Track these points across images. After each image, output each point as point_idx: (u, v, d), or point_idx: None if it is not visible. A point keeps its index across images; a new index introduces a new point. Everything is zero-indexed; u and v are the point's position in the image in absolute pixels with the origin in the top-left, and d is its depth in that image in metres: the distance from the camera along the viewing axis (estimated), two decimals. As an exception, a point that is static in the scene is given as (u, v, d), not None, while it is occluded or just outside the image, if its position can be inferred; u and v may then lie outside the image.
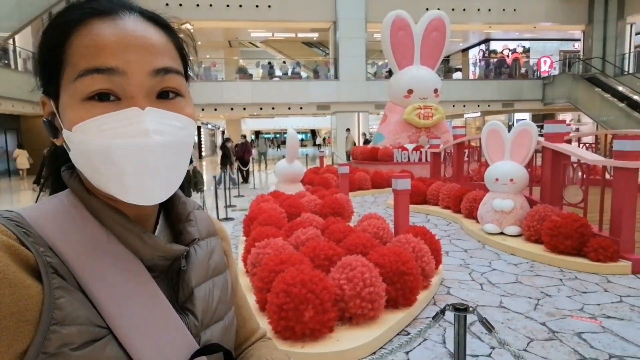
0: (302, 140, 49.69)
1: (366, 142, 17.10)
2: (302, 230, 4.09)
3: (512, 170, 5.38)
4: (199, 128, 28.81)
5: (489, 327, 1.26)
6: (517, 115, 23.37)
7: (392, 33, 11.89)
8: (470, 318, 2.92)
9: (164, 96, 0.53)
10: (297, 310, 2.69)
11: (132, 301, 0.50)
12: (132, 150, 0.48)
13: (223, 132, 30.68)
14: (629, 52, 18.90)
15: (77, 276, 0.48)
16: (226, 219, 7.40)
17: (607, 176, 4.87)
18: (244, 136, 15.12)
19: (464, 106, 20.03)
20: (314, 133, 50.20)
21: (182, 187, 0.61)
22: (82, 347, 0.45)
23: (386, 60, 13.76)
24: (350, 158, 15.74)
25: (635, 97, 15.84)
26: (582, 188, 4.87)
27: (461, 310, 1.33)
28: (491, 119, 24.59)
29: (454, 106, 19.67)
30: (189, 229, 0.61)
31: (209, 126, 34.30)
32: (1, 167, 17.25)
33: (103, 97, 0.49)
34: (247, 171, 13.68)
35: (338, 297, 2.97)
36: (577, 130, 20.86)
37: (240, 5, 17.87)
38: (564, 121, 5.81)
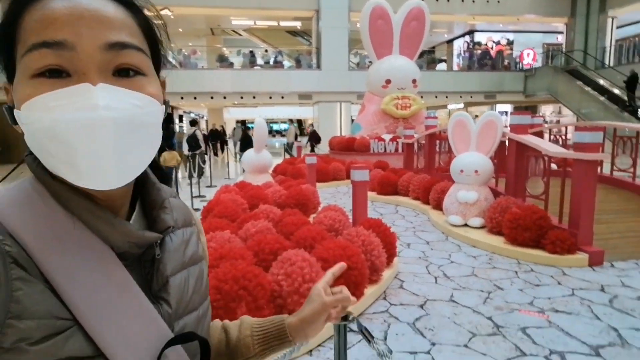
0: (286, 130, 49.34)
1: (313, 133, 16.67)
2: (252, 222, 3.95)
3: (476, 162, 5.30)
4: (180, 117, 28.35)
5: (367, 338, 1.14)
6: (499, 107, 23.41)
7: (371, 22, 11.72)
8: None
9: (123, 74, 0.49)
10: (227, 308, 2.55)
11: (100, 290, 0.48)
12: (80, 126, 0.44)
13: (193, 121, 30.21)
14: (610, 46, 18.96)
15: (41, 265, 0.45)
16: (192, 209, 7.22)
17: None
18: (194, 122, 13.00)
19: (447, 97, 19.95)
20: (300, 123, 49.88)
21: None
22: (40, 341, 0.43)
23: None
24: (294, 150, 14.93)
25: (615, 91, 15.93)
26: (543, 180, 4.81)
27: (341, 319, 1.20)
28: (474, 110, 24.65)
29: (436, 97, 19.58)
30: (163, 216, 0.59)
31: (192, 115, 33.79)
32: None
33: (53, 73, 0.46)
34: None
35: (276, 293, 2.85)
36: (558, 122, 21.01)
37: (221, -8, 17.47)
38: (529, 112, 5.74)
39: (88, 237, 0.50)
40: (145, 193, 0.60)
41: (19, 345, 0.42)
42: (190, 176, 9.85)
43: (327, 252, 3.14)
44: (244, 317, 0.79)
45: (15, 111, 0.48)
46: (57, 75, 0.46)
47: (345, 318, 1.31)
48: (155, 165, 0.61)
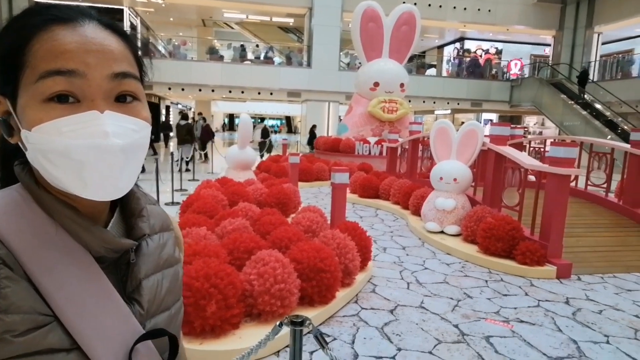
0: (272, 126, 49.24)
1: (205, 129, 14.69)
2: (230, 220, 3.95)
3: (456, 170, 5.39)
4: (167, 107, 28.04)
5: (322, 343, 1.17)
6: (485, 115, 23.72)
7: (362, 23, 11.74)
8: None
9: (122, 99, 0.56)
10: (197, 306, 2.57)
11: (79, 290, 0.53)
12: (93, 151, 0.51)
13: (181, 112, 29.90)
14: (595, 61, 19.39)
15: (25, 267, 0.51)
16: (172, 203, 7.17)
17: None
18: (186, 115, 13.12)
19: (434, 102, 20.15)
20: (288, 120, 49.76)
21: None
22: (24, 333, 0.48)
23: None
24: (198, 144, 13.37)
25: (597, 106, 16.31)
26: (519, 191, 4.91)
27: (297, 324, 1.24)
28: (461, 117, 24.92)
29: (424, 102, 19.77)
30: (140, 224, 0.64)
31: (179, 106, 33.45)
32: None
33: (62, 98, 0.51)
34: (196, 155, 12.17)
35: (247, 292, 2.87)
36: (540, 133, 21.42)
37: (214, -17, 17.32)
38: (509, 124, 5.84)
39: (68, 242, 0.55)
40: (126, 201, 0.65)
41: (5, 336, 0.47)
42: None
43: (301, 254, 3.17)
44: None
45: (24, 131, 0.53)
46: (66, 100, 0.52)
47: (301, 323, 1.35)
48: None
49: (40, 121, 0.51)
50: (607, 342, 2.95)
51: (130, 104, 0.57)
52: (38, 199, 0.56)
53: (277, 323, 1.26)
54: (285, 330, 1.36)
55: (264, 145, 16.58)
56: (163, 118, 24.73)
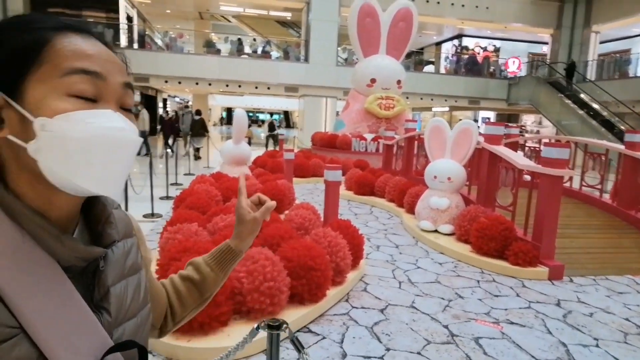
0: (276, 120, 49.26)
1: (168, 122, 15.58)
2: (222, 216, 3.93)
3: (450, 169, 5.37)
4: (164, 100, 27.91)
5: (298, 348, 1.15)
6: (482, 113, 23.71)
7: (359, 19, 11.68)
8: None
9: (124, 107, 0.61)
10: (185, 303, 2.55)
11: (47, 301, 0.53)
12: (113, 141, 0.55)
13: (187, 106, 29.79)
14: (593, 60, 19.38)
15: None
16: (167, 197, 7.13)
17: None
18: (199, 111, 14.59)
19: (432, 99, 20.10)
20: (287, 115, 49.66)
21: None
22: None
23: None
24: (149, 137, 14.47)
25: (594, 105, 16.31)
26: (512, 191, 4.90)
27: (274, 327, 1.22)
28: (459, 114, 24.92)
29: (421, 99, 19.72)
30: (109, 231, 0.64)
31: (177, 99, 33.30)
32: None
33: (81, 96, 0.55)
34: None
35: (236, 290, 2.85)
36: (538, 132, 21.43)
37: (211, -24, 17.16)
38: (503, 123, 5.83)
39: (36, 252, 0.54)
40: (90, 207, 0.64)
41: None
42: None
43: (292, 252, 3.15)
44: (193, 261, 0.90)
45: (43, 119, 0.52)
46: (84, 98, 0.55)
47: (278, 327, 1.33)
48: None
49: (65, 110, 0.53)
50: (597, 346, 2.95)
51: (130, 113, 0.62)
52: (6, 205, 0.54)
53: (255, 326, 1.24)
54: (263, 333, 1.34)
55: (271, 137, 18.02)
56: (160, 111, 24.57)
